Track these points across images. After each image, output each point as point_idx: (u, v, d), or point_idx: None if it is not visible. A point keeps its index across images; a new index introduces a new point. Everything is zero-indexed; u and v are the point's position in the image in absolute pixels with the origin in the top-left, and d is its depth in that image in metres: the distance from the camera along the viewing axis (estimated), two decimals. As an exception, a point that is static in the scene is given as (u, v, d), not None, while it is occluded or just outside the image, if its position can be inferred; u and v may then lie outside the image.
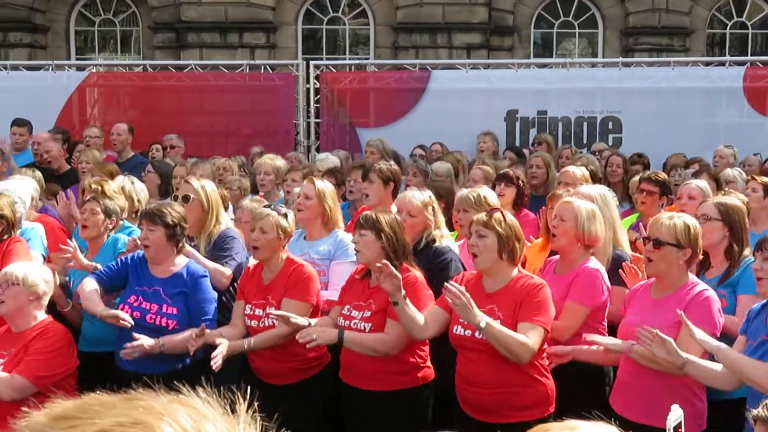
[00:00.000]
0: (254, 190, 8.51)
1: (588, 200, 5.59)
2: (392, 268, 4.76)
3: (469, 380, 4.90)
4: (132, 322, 5.20)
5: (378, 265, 4.76)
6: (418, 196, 5.84)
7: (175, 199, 6.13)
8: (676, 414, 3.08)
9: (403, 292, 4.79)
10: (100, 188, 6.54)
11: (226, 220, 6.21)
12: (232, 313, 5.52)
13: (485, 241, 4.81)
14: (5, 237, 6.01)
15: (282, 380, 5.35)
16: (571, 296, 5.14)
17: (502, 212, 4.93)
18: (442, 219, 5.96)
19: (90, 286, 5.45)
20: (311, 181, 6.29)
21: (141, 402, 1.08)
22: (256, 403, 1.16)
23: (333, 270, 5.92)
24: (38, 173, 8.15)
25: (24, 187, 6.96)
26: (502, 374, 4.75)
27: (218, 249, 5.92)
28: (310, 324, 5.11)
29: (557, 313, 4.99)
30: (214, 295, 5.52)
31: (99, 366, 5.49)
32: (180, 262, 5.50)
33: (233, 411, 1.14)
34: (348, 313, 5.19)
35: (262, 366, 5.41)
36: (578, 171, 7.77)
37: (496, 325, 4.59)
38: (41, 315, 5.13)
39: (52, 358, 4.97)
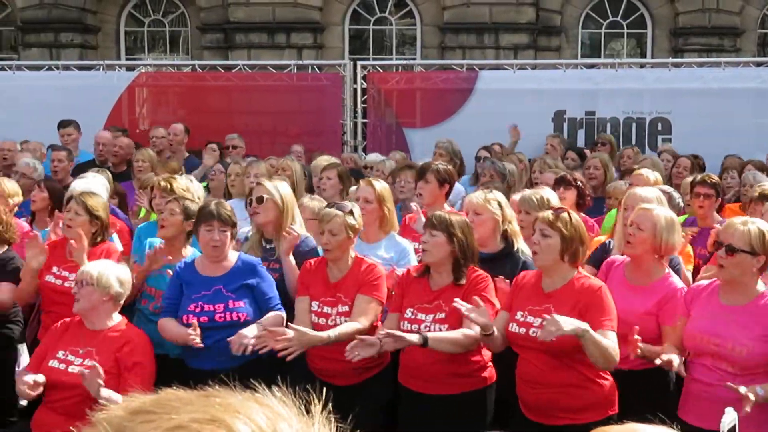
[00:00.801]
0: (308, 190, 8.48)
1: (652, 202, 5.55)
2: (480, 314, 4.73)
3: (526, 380, 4.87)
4: (199, 342, 5.15)
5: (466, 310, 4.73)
6: (479, 194, 5.81)
7: (250, 200, 6.12)
8: (730, 417, 3.06)
9: (494, 327, 4.78)
10: (169, 186, 6.53)
11: (301, 222, 6.14)
12: (296, 310, 5.47)
13: (548, 241, 4.77)
14: (99, 240, 6.02)
15: (343, 381, 5.31)
16: (666, 321, 5.03)
17: (569, 213, 4.88)
18: (512, 214, 5.86)
19: (169, 324, 5.41)
20: (369, 184, 6.26)
21: (217, 399, 1.09)
22: (330, 404, 1.16)
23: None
24: (108, 173, 8.25)
25: (99, 187, 7.01)
26: (559, 373, 4.72)
27: (295, 254, 5.88)
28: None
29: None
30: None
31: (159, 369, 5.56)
32: (232, 257, 5.54)
33: (308, 411, 1.14)
34: (413, 317, 5.13)
35: (323, 366, 5.39)
36: (651, 175, 7.69)
37: (593, 332, 4.49)
38: (117, 316, 5.19)
39: (151, 370, 5.10)
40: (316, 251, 5.92)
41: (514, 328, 4.86)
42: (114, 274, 5.15)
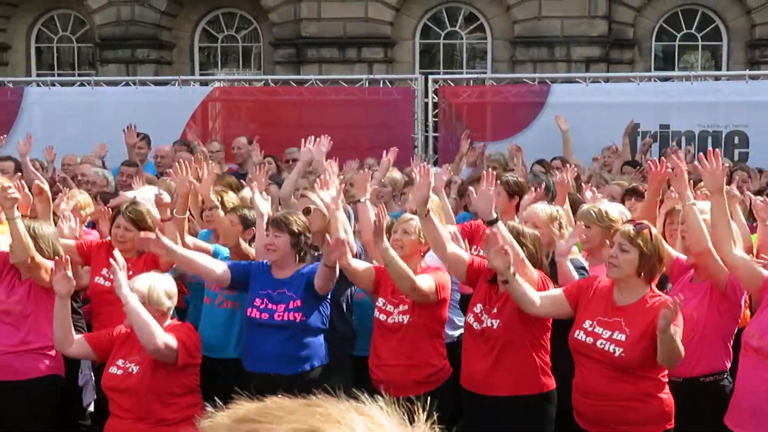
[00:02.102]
0: None
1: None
2: (504, 243, 4.74)
3: (584, 391, 4.85)
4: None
5: (486, 234, 4.77)
6: (545, 209, 5.79)
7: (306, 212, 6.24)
8: None
9: (513, 269, 4.74)
10: (219, 198, 6.65)
11: (349, 230, 6.20)
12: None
13: (626, 256, 4.72)
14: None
15: (403, 392, 5.33)
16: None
17: (650, 229, 4.81)
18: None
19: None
20: None
21: (319, 408, 1.10)
22: (435, 414, 1.16)
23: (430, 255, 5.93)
24: (173, 184, 8.38)
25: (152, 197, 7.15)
26: (619, 386, 4.68)
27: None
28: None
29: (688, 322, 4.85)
30: None
31: (216, 372, 5.63)
32: (299, 267, 5.65)
33: (411, 422, 1.14)
34: (479, 313, 5.23)
35: (384, 377, 5.43)
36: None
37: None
38: (166, 322, 5.25)
39: (193, 339, 5.19)
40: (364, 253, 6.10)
41: (580, 336, 4.83)
42: (163, 289, 5.18)
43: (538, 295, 4.89)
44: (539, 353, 5.15)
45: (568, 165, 6.49)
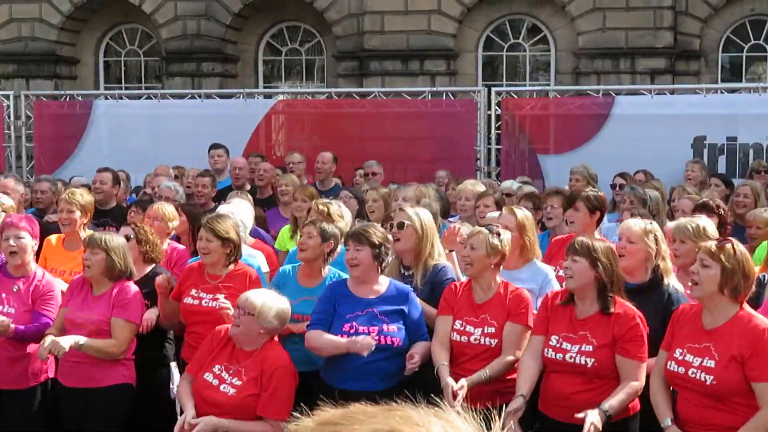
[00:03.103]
0: (444, 215, 8.48)
1: None
2: None
3: (684, 420, 4.69)
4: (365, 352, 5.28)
5: None
6: (639, 222, 5.65)
7: (390, 225, 6.14)
8: None
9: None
10: (326, 210, 6.66)
11: (441, 251, 6.13)
12: (437, 329, 5.49)
13: (708, 272, 4.59)
14: (233, 259, 6.17)
15: (480, 404, 5.28)
16: None
17: (733, 244, 4.67)
18: (666, 249, 5.67)
19: (320, 335, 5.51)
20: (512, 212, 6.22)
21: (398, 412, 1.11)
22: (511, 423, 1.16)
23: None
24: (249, 197, 8.46)
25: (245, 211, 7.18)
26: (718, 415, 4.56)
27: (432, 283, 5.89)
28: None
29: None
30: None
31: (305, 385, 5.64)
32: (383, 282, 5.60)
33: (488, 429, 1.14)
34: (558, 345, 5.07)
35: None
36: None
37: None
38: (273, 345, 5.31)
39: (291, 393, 5.21)
40: (450, 275, 5.96)
41: (672, 366, 4.70)
42: (275, 309, 5.22)
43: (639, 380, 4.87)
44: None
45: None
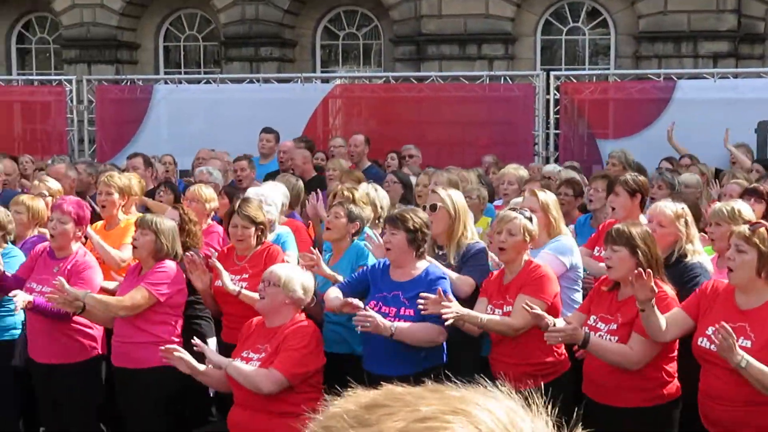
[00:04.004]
0: (491, 199, 8.51)
1: None
2: (649, 278, 4.64)
3: (712, 395, 4.73)
4: (360, 310, 5.31)
5: (635, 271, 4.65)
6: (671, 206, 5.67)
7: (423, 207, 6.22)
8: None
9: (653, 301, 4.66)
10: (351, 195, 6.74)
11: (473, 231, 6.24)
12: (475, 309, 5.54)
13: (744, 257, 4.58)
14: (260, 240, 6.33)
15: (521, 385, 5.27)
16: None
17: (767, 227, 4.66)
18: (695, 233, 5.74)
19: (334, 293, 5.64)
20: (533, 193, 6.34)
21: (451, 392, 1.10)
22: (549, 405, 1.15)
23: (541, 256, 5.90)
24: (296, 180, 8.54)
25: (276, 193, 7.29)
26: (748, 390, 4.53)
27: (467, 260, 5.96)
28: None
29: None
30: None
31: (339, 366, 5.68)
32: (421, 266, 5.59)
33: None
34: (594, 324, 5.13)
35: (503, 370, 5.38)
36: None
37: (757, 363, 4.36)
38: (297, 316, 5.38)
39: (305, 356, 5.22)
40: (485, 250, 6.02)
41: (704, 343, 4.71)
42: (299, 280, 5.35)
43: (665, 322, 4.79)
44: (664, 361, 5.02)
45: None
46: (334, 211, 6.31)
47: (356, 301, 5.35)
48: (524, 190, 7.92)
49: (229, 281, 6.01)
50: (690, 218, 5.67)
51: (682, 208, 5.69)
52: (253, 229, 6.24)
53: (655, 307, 4.70)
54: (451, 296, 5.20)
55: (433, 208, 6.03)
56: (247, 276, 6.16)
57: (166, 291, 6.00)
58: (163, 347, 5.43)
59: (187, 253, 6.19)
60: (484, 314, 5.32)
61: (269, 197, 7.01)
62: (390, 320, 5.36)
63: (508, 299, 5.40)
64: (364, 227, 6.38)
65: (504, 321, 5.29)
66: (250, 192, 7.20)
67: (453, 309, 5.10)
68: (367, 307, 5.30)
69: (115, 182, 7.18)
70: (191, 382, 5.72)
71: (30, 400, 6.72)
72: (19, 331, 6.57)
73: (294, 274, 5.41)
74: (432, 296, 5.12)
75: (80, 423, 6.37)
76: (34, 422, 7.08)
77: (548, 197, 6.30)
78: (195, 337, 5.57)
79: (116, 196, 7.14)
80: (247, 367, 5.17)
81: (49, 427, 6.67)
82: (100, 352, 6.33)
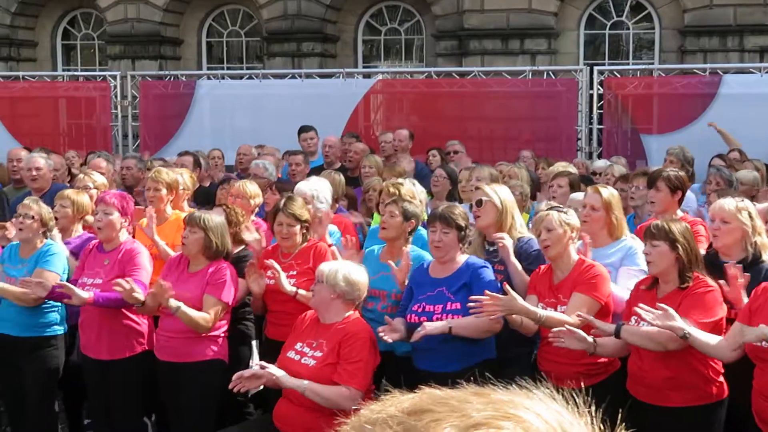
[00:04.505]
0: (532, 197, 8.40)
1: None
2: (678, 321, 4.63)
3: (766, 394, 4.64)
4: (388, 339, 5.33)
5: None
6: (729, 201, 5.56)
7: (470, 204, 6.18)
8: None
9: (686, 332, 4.66)
10: (398, 192, 6.70)
11: (522, 224, 6.18)
12: (506, 288, 5.45)
13: None
14: (306, 237, 6.36)
15: (570, 385, 5.23)
16: None
17: None
18: (761, 225, 5.58)
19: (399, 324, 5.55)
20: (597, 191, 6.18)
21: (496, 396, 1.08)
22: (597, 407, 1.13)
23: (620, 274, 5.80)
24: (338, 175, 8.56)
25: (324, 188, 7.30)
26: None
27: (529, 261, 5.88)
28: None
29: None
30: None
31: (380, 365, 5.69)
32: (460, 260, 5.60)
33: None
34: (636, 324, 5.06)
35: (551, 369, 5.35)
36: None
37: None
38: (349, 312, 5.39)
39: (369, 363, 5.26)
40: (540, 252, 5.88)
41: (761, 342, 4.63)
42: (343, 273, 5.36)
43: (719, 343, 4.76)
44: (712, 359, 4.96)
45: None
46: (388, 209, 6.15)
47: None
48: (552, 185, 7.84)
49: (286, 282, 6.03)
50: (753, 210, 5.55)
51: (743, 201, 5.59)
52: (298, 226, 6.27)
53: (695, 333, 4.69)
54: (510, 290, 5.14)
55: (479, 203, 6.01)
56: (294, 273, 6.18)
57: (232, 295, 6.12)
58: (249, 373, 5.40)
59: (249, 261, 6.30)
60: (541, 311, 5.25)
61: (321, 193, 7.11)
62: (437, 317, 5.36)
63: (562, 299, 5.35)
64: (419, 224, 6.27)
65: (563, 319, 5.20)
66: (302, 187, 7.23)
67: (510, 302, 5.07)
68: (399, 319, 5.36)
69: (163, 178, 7.26)
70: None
71: (70, 392, 6.81)
72: (63, 328, 6.64)
73: (338, 268, 5.43)
74: (482, 298, 5.09)
75: (127, 416, 6.45)
76: (76, 413, 7.18)
77: (612, 195, 6.14)
78: (261, 362, 5.47)
79: (164, 191, 7.21)
80: (325, 389, 5.09)
81: (97, 419, 6.73)
82: (147, 348, 6.39)
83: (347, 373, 5.13)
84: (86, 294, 6.04)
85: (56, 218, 6.84)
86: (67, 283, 6.11)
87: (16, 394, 6.61)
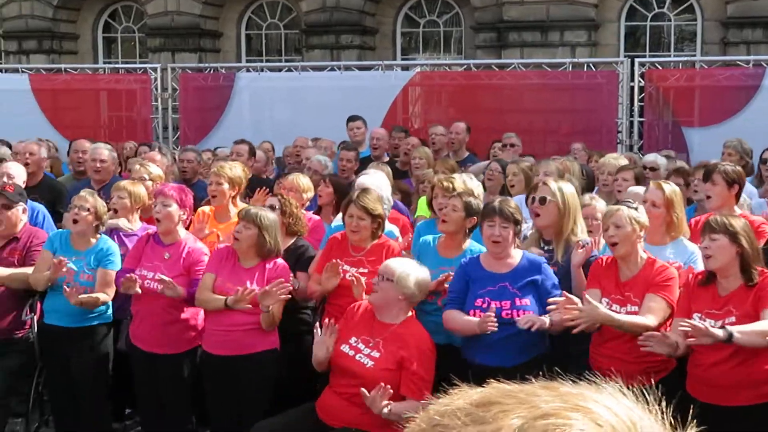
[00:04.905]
0: (590, 188, 8.23)
1: None
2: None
3: None
4: (494, 326, 5.23)
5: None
6: None
7: (532, 198, 6.03)
8: None
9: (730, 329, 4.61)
10: (450, 185, 6.58)
11: (583, 227, 5.99)
12: (586, 297, 5.40)
13: None
14: (378, 233, 6.24)
15: (627, 382, 5.15)
16: None
17: None
18: None
19: (456, 315, 5.49)
20: (659, 187, 6.01)
21: (563, 389, 1.08)
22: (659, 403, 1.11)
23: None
24: (387, 168, 8.49)
25: (385, 184, 7.23)
26: None
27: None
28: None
29: None
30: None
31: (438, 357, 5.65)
32: (516, 255, 5.54)
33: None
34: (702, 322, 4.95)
35: (607, 366, 5.25)
36: None
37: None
38: (409, 314, 5.37)
39: (432, 375, 5.24)
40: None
41: None
42: (414, 276, 5.32)
43: None
44: None
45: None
46: (452, 203, 6.02)
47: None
48: (617, 179, 7.67)
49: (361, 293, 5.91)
50: None
51: None
52: (369, 220, 6.12)
53: (736, 331, 4.64)
54: (590, 299, 5.07)
55: (543, 201, 5.85)
56: (366, 271, 6.01)
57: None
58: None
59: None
60: (620, 316, 5.17)
61: (382, 190, 6.92)
62: (506, 313, 5.30)
63: (633, 298, 5.24)
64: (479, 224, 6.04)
65: (643, 322, 5.10)
66: (365, 181, 7.12)
67: (593, 311, 5.02)
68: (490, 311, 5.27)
69: (226, 172, 7.25)
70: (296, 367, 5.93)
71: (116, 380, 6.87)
72: (110, 316, 6.69)
73: (409, 269, 5.36)
74: (560, 299, 5.06)
75: (178, 410, 6.50)
76: (119, 402, 7.24)
77: (674, 192, 5.98)
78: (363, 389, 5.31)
79: (226, 186, 7.22)
80: (403, 407, 4.96)
81: (146, 410, 6.75)
82: (198, 344, 6.42)
83: (418, 389, 5.09)
84: (180, 289, 6.16)
85: (115, 210, 6.90)
86: (167, 278, 6.13)
87: (63, 386, 6.68)
